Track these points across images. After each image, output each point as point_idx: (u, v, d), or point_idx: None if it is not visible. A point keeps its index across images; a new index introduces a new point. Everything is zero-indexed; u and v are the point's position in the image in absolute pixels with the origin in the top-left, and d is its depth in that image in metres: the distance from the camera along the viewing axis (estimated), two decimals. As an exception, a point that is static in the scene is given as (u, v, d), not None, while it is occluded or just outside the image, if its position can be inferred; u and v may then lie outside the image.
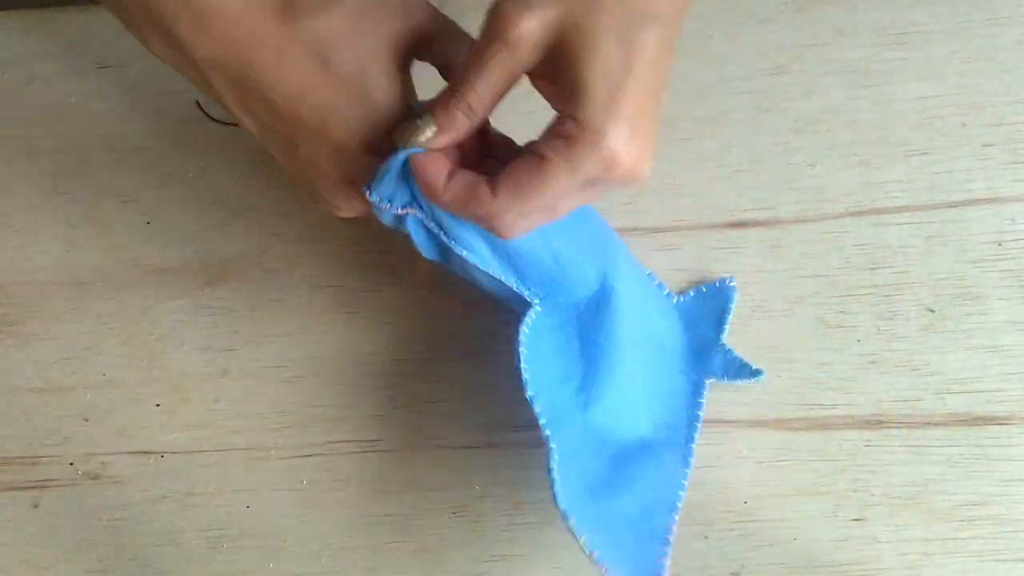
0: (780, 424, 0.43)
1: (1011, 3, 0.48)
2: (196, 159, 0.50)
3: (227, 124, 0.50)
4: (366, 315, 0.47)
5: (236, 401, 0.46)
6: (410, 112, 0.35)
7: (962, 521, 0.42)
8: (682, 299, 0.45)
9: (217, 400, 0.46)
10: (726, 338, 0.44)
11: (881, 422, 0.43)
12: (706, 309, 0.45)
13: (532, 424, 0.44)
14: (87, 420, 0.46)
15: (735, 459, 0.43)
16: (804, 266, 0.46)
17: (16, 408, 0.46)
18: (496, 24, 0.31)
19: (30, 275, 0.49)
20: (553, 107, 0.33)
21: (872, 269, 0.45)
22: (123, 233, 0.49)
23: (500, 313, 0.46)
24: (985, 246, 0.45)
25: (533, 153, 0.32)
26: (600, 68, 0.31)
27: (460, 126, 0.33)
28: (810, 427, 0.43)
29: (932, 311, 0.45)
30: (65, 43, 0.52)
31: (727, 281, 0.45)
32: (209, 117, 0.50)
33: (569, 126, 0.31)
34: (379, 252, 0.47)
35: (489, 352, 0.45)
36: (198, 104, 0.50)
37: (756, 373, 0.43)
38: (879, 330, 0.44)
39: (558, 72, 0.31)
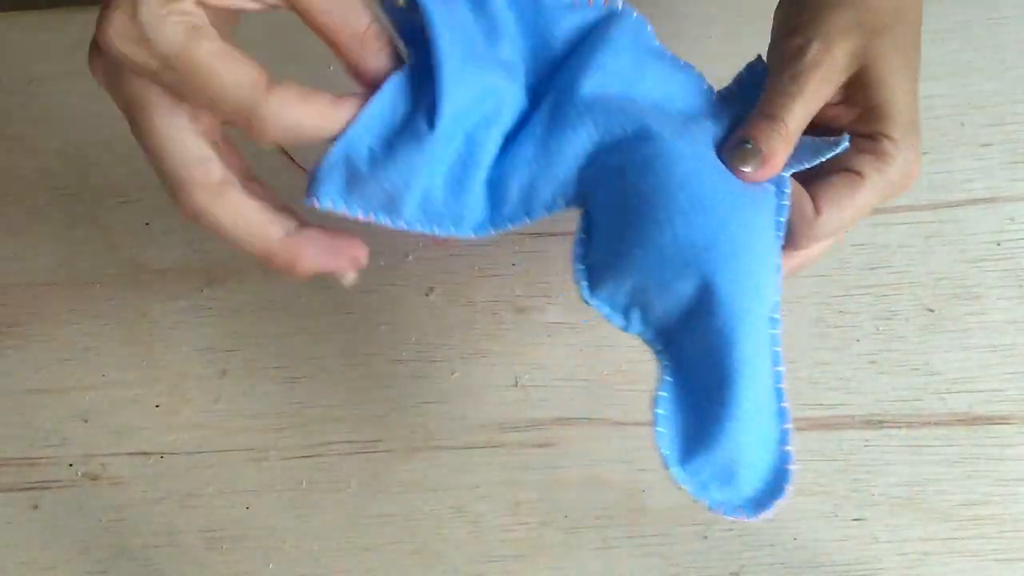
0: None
1: (1010, 3, 0.48)
2: (195, 160, 0.50)
3: (224, 123, 0.50)
4: (365, 316, 0.47)
5: (235, 402, 0.46)
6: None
7: (961, 521, 0.42)
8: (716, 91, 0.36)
9: (216, 401, 0.46)
10: None
11: (881, 422, 0.43)
12: (751, 94, 0.36)
13: (532, 424, 0.44)
14: (86, 421, 0.46)
15: (735, 459, 0.43)
16: (803, 266, 0.46)
17: (15, 409, 0.46)
18: (807, 53, 0.32)
19: (29, 276, 0.48)
20: (846, 129, 0.34)
21: (871, 269, 0.45)
22: (122, 234, 0.49)
23: (499, 312, 0.46)
24: (984, 246, 0.45)
25: (847, 171, 0.33)
26: (902, 88, 0.33)
27: (782, 155, 0.33)
28: (810, 427, 0.43)
29: (931, 311, 0.45)
30: (64, 44, 0.52)
31: (755, 66, 0.36)
32: (208, 118, 0.50)
33: (885, 145, 0.33)
34: (377, 254, 0.47)
35: (489, 352, 0.45)
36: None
37: (837, 143, 0.33)
38: (878, 330, 0.44)
39: (857, 96, 0.33)
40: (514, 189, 0.32)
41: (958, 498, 0.42)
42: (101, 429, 0.46)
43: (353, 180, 0.32)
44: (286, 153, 0.47)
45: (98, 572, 0.44)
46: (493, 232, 0.33)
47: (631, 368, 0.45)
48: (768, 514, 0.31)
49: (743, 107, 0.35)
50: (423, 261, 0.47)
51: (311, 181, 0.32)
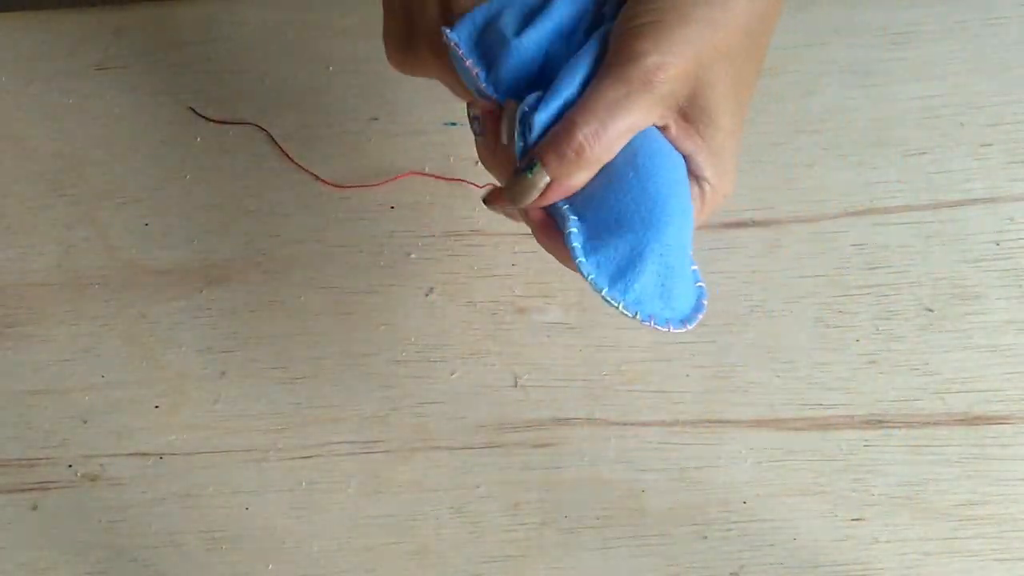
0: (779, 424, 0.43)
1: (1009, 3, 0.48)
2: (194, 161, 0.50)
3: (225, 124, 0.50)
4: (364, 316, 0.47)
5: (235, 402, 0.46)
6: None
7: (961, 521, 0.42)
8: None
9: (216, 401, 0.46)
10: None
11: (880, 422, 0.43)
12: None
13: (532, 424, 0.44)
14: (86, 422, 0.46)
15: (734, 459, 0.43)
16: (803, 266, 0.46)
17: (14, 410, 0.46)
18: (638, 68, 0.30)
19: (28, 277, 0.48)
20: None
21: (871, 269, 0.45)
22: (121, 235, 0.49)
23: (499, 312, 0.46)
24: (983, 246, 0.45)
25: None
26: (728, 129, 0.31)
27: (578, 179, 0.31)
28: (809, 427, 0.43)
29: (931, 311, 0.45)
30: (64, 45, 0.52)
31: None
32: (206, 119, 0.50)
33: (706, 190, 0.32)
34: (376, 254, 0.47)
35: (489, 352, 0.45)
36: (192, 109, 0.50)
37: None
38: (878, 330, 0.44)
39: (685, 125, 0.32)
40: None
41: (957, 498, 0.42)
42: (100, 430, 0.46)
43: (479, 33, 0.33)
44: (293, 159, 0.47)
45: (97, 573, 0.44)
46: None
47: (631, 368, 0.45)
48: (690, 327, 0.32)
49: None
50: (423, 261, 0.47)
51: (456, 24, 0.33)
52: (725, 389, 0.44)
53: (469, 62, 0.33)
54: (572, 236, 0.32)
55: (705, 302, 0.33)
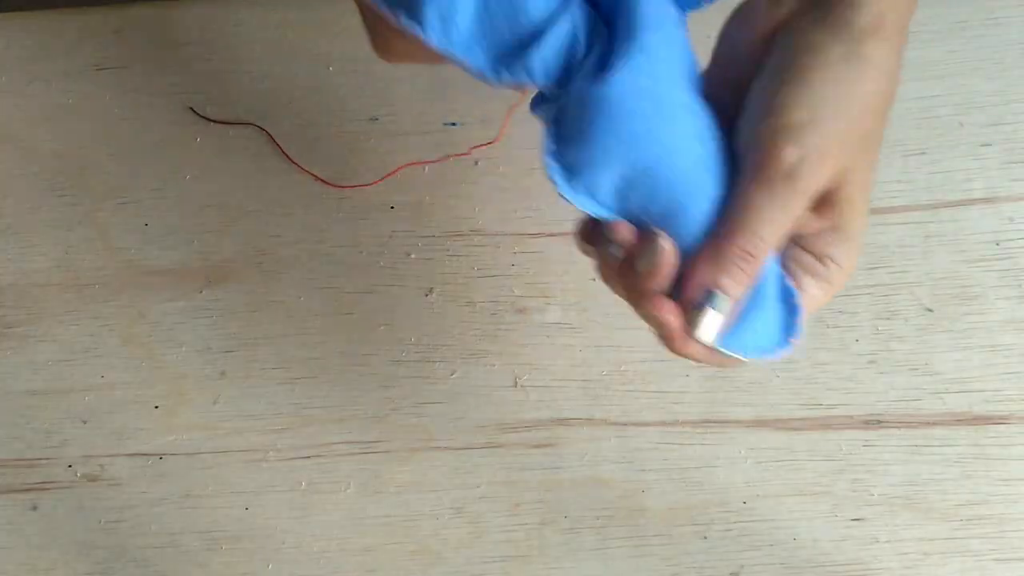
0: (779, 424, 0.43)
1: (1009, 3, 0.48)
2: (194, 161, 0.50)
3: (224, 124, 0.50)
4: (364, 316, 0.47)
5: (235, 403, 0.46)
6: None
7: (961, 521, 0.42)
8: None
9: (215, 402, 0.46)
10: None
11: (880, 422, 0.43)
12: None
13: (532, 424, 0.44)
14: (85, 422, 0.46)
15: (734, 459, 0.43)
16: (803, 266, 0.46)
17: (14, 410, 0.46)
18: (800, 175, 0.29)
19: (28, 277, 0.48)
20: (799, 244, 0.33)
21: (870, 269, 0.45)
22: (121, 235, 0.49)
23: (499, 312, 0.46)
24: (983, 246, 0.45)
25: None
26: (863, 211, 0.32)
27: (747, 284, 0.30)
28: (809, 427, 0.43)
29: (931, 311, 0.45)
30: (63, 45, 0.52)
31: None
32: (206, 119, 0.50)
33: (833, 272, 0.32)
34: (376, 254, 0.47)
35: (489, 352, 0.45)
36: (192, 109, 0.50)
37: None
38: (878, 330, 0.44)
39: (819, 211, 0.31)
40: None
41: (957, 498, 0.42)
42: (100, 430, 0.46)
43: None
44: (293, 159, 0.47)
45: (97, 573, 0.44)
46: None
47: (631, 368, 0.45)
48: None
49: None
50: (423, 261, 0.47)
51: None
52: (725, 389, 0.44)
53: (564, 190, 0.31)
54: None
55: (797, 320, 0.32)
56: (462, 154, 0.48)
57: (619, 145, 0.30)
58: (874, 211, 0.46)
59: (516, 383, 0.45)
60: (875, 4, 0.30)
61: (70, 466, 0.45)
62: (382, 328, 0.46)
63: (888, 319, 0.44)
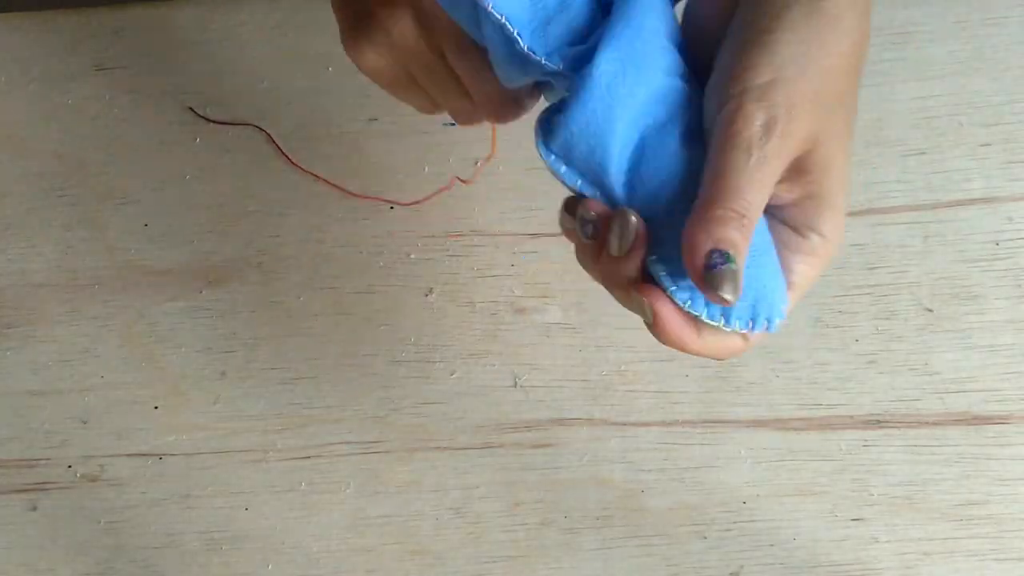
0: (779, 424, 0.43)
1: (1008, 3, 0.48)
2: (193, 161, 0.50)
3: (224, 124, 0.50)
4: (364, 317, 0.47)
5: (234, 403, 0.46)
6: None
7: (961, 520, 0.42)
8: None
9: (215, 402, 0.46)
10: None
11: (880, 422, 0.43)
12: None
13: (531, 425, 0.44)
14: (85, 422, 0.46)
15: (734, 459, 0.43)
16: (802, 266, 0.46)
17: (14, 411, 0.46)
18: (772, 135, 0.29)
19: (27, 277, 0.48)
20: (779, 215, 0.32)
21: (870, 269, 0.45)
22: (120, 235, 0.49)
23: (499, 313, 0.46)
24: (983, 246, 0.45)
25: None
26: (840, 175, 0.30)
27: (745, 253, 0.29)
28: (809, 427, 0.43)
29: (930, 311, 0.45)
30: (63, 45, 0.52)
31: None
32: (205, 119, 0.50)
33: (816, 243, 0.31)
34: (375, 254, 0.47)
35: (489, 352, 0.45)
36: (192, 109, 0.50)
37: None
38: (877, 330, 0.44)
39: (795, 178, 0.30)
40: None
41: (957, 498, 0.42)
42: (100, 430, 0.46)
43: None
44: (293, 160, 0.47)
45: (97, 573, 0.44)
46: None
47: (630, 368, 0.45)
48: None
49: None
50: (423, 261, 0.47)
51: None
52: (725, 389, 0.44)
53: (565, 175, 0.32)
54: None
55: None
56: (466, 181, 0.48)
57: (593, 115, 0.30)
58: (874, 211, 0.46)
59: (516, 383, 0.45)
60: None
61: (70, 466, 0.45)
62: (382, 328, 0.46)
63: (888, 319, 0.44)
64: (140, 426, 0.46)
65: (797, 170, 0.30)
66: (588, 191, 0.31)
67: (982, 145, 0.47)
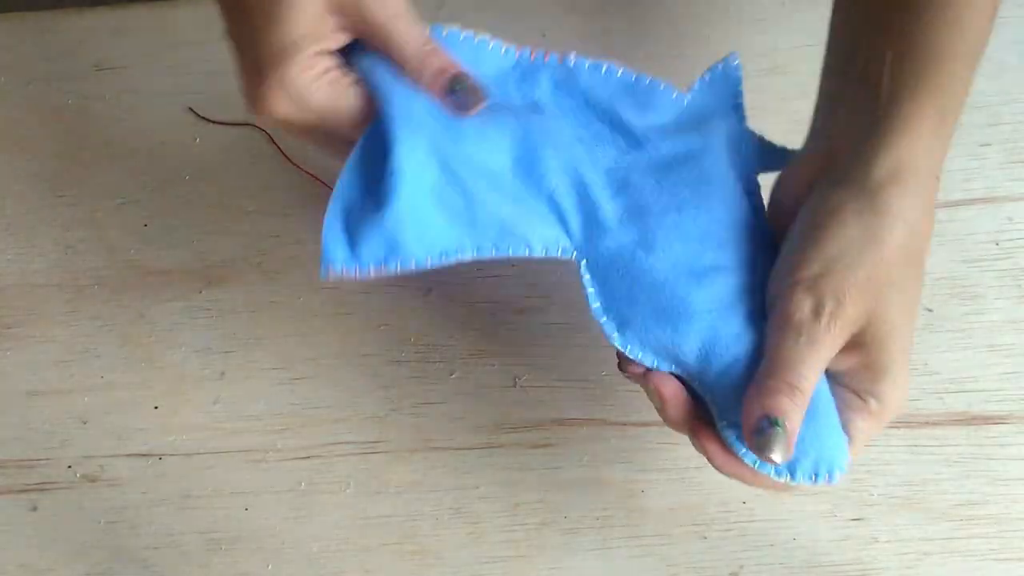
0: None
1: (1008, 3, 0.48)
2: (193, 161, 0.50)
3: (223, 125, 0.50)
4: (363, 317, 0.47)
5: (234, 403, 0.46)
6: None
7: (960, 520, 0.42)
8: (688, 97, 0.40)
9: (215, 402, 0.46)
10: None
11: (880, 422, 0.43)
12: (717, 97, 0.40)
13: (531, 425, 0.44)
14: (85, 423, 0.46)
15: (734, 459, 0.43)
16: (802, 266, 0.45)
17: (14, 411, 0.46)
18: (822, 317, 0.32)
19: (27, 278, 0.48)
20: (840, 382, 0.35)
21: (870, 269, 0.45)
22: (120, 235, 0.49)
23: (499, 312, 0.46)
24: (983, 246, 0.45)
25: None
26: (900, 347, 0.33)
27: (799, 425, 0.33)
28: (809, 427, 0.43)
29: (930, 310, 0.45)
30: (63, 45, 0.52)
31: (729, 61, 0.40)
32: (205, 119, 0.50)
33: (873, 406, 0.34)
34: (377, 253, 0.47)
35: (488, 352, 0.45)
36: (192, 110, 0.50)
37: (790, 153, 0.39)
38: (877, 330, 0.44)
39: (855, 349, 0.33)
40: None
41: (957, 498, 0.42)
42: (100, 431, 0.46)
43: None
44: (293, 160, 0.47)
45: (96, 574, 0.44)
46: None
47: (630, 368, 0.45)
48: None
49: (715, 101, 0.39)
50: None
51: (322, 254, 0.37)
52: (725, 389, 0.44)
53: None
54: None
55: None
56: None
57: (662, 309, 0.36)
58: (874, 211, 0.46)
59: (515, 383, 0.45)
60: (890, 156, 0.33)
61: (70, 467, 0.45)
62: (382, 328, 0.46)
63: (888, 319, 0.44)
64: (140, 426, 0.46)
65: (854, 344, 0.33)
66: (664, 367, 0.36)
67: (982, 145, 0.47)
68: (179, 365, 0.46)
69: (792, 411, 0.32)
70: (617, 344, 0.36)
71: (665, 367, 0.36)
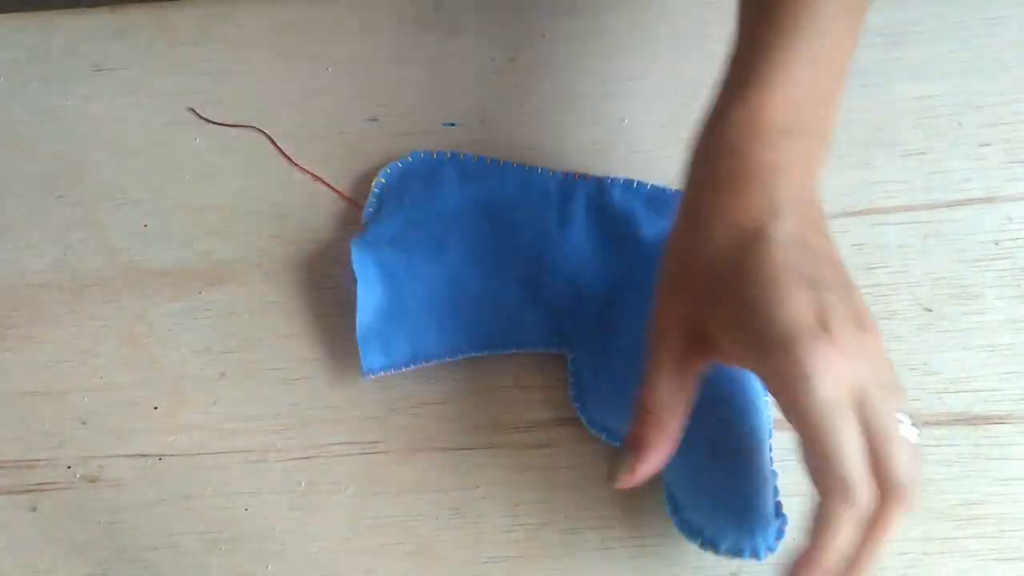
0: (779, 424, 0.43)
1: (1008, 3, 0.49)
2: (193, 161, 0.50)
3: (223, 125, 0.50)
4: (364, 316, 0.46)
5: (234, 403, 0.46)
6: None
7: (960, 520, 0.42)
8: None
9: (215, 402, 0.46)
10: None
11: (879, 422, 0.43)
12: None
13: (531, 425, 0.44)
14: (85, 423, 0.46)
15: (734, 459, 0.43)
16: (802, 266, 0.45)
17: (13, 411, 0.46)
18: (652, 336, 0.36)
19: (27, 278, 0.48)
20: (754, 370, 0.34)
21: (869, 269, 0.45)
22: (120, 236, 0.49)
23: (499, 314, 0.46)
24: (982, 245, 0.45)
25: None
26: (740, 337, 0.33)
27: (657, 448, 0.36)
28: (809, 427, 0.43)
29: (929, 310, 0.45)
30: (62, 46, 0.52)
31: None
32: (206, 120, 0.50)
33: (790, 364, 0.32)
34: (377, 253, 0.47)
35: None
36: (192, 110, 0.50)
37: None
38: (877, 330, 0.44)
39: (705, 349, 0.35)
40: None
41: (957, 498, 0.42)
42: (99, 431, 0.46)
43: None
44: (293, 160, 0.47)
45: (97, 574, 0.44)
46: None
47: (630, 368, 0.45)
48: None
49: None
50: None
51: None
52: (725, 389, 0.44)
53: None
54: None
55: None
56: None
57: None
58: (873, 211, 0.46)
59: (516, 383, 0.45)
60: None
61: (69, 467, 0.45)
62: (382, 328, 0.46)
63: (887, 319, 0.44)
64: (140, 427, 0.46)
65: (700, 343, 0.35)
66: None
67: (982, 145, 0.47)
68: (179, 365, 0.46)
69: (643, 430, 0.36)
70: (584, 421, 0.43)
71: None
